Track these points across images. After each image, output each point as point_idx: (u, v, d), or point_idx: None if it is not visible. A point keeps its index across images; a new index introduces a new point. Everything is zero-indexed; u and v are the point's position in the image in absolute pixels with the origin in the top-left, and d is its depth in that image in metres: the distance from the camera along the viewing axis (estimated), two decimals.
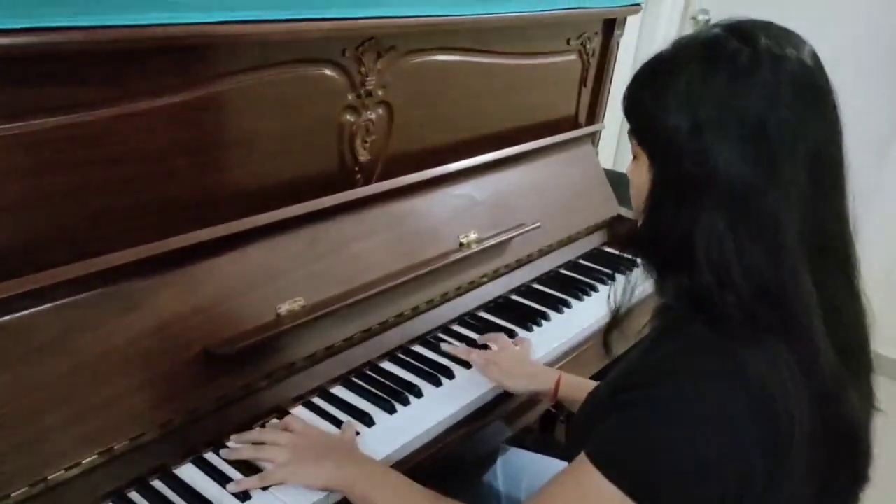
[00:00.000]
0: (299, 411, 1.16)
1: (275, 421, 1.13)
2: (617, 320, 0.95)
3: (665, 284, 0.82)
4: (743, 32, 0.77)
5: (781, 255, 0.75)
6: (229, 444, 1.06)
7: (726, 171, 0.74)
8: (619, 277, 0.94)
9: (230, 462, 1.03)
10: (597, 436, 0.80)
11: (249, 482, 0.99)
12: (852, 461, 0.83)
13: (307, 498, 0.98)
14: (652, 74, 0.81)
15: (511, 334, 1.43)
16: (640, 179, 0.84)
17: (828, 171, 0.77)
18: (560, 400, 1.26)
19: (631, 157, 0.88)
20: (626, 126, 0.88)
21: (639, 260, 0.91)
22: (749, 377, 0.73)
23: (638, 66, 0.84)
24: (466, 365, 1.31)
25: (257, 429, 1.09)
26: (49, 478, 0.90)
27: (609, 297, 0.96)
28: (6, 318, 0.90)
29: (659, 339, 0.84)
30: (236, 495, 0.98)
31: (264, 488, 0.99)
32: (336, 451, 1.03)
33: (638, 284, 0.90)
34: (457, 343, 1.38)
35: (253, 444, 1.05)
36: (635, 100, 0.83)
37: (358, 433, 1.12)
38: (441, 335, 1.42)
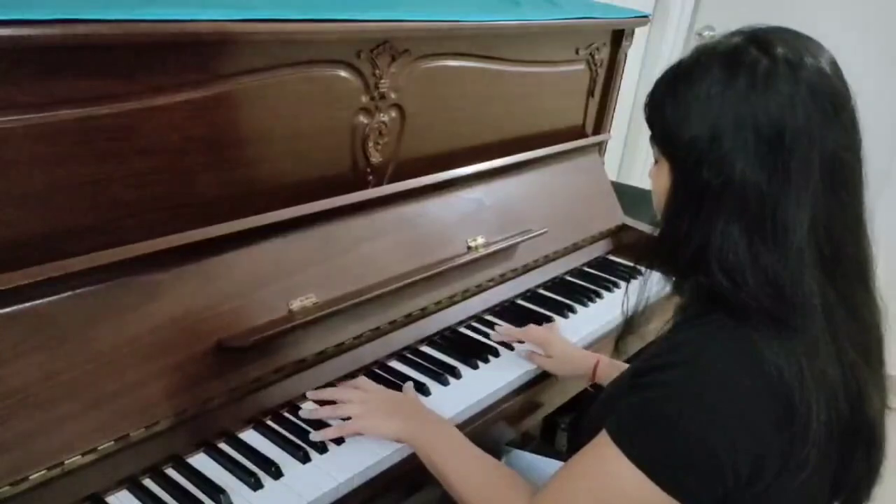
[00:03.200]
0: (309, 407, 1.18)
1: (287, 416, 1.14)
2: (631, 326, 0.98)
3: (683, 286, 0.85)
4: (762, 41, 0.79)
5: (796, 262, 0.77)
6: (306, 404, 1.15)
7: (742, 179, 0.77)
8: (633, 282, 0.95)
9: (239, 451, 1.05)
10: (618, 414, 0.82)
11: (329, 432, 1.08)
12: (868, 457, 0.85)
13: (318, 487, 1.00)
14: (673, 82, 0.83)
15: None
16: (662, 183, 0.86)
17: (843, 178, 0.79)
18: (597, 383, 1.32)
19: (652, 162, 0.91)
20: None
21: (645, 270, 0.94)
22: (766, 363, 0.75)
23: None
24: (472, 365, 1.33)
25: (330, 388, 1.18)
26: (66, 462, 0.92)
27: (623, 303, 0.98)
28: (27, 305, 0.92)
29: (681, 325, 0.86)
30: (248, 483, 0.99)
31: (276, 476, 1.01)
32: (404, 407, 1.12)
33: (652, 290, 0.92)
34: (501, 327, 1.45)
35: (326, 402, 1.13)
36: (656, 107, 0.85)
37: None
38: (493, 318, 1.50)
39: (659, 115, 0.85)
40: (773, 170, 0.76)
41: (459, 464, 1.00)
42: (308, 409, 1.14)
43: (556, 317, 1.54)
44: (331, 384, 1.22)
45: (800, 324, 0.77)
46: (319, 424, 1.10)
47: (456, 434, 1.07)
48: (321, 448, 1.07)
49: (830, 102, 0.77)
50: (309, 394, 1.17)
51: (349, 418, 1.09)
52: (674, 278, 0.88)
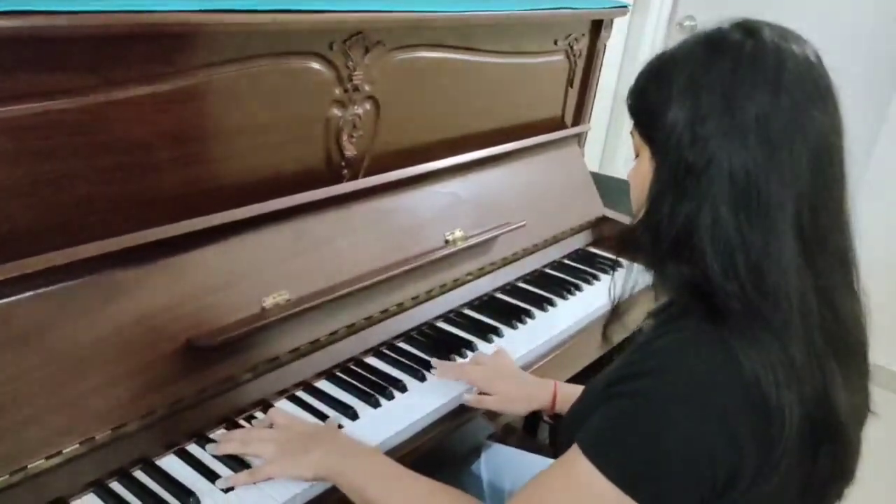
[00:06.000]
0: (283, 405, 1.16)
1: (260, 416, 1.12)
2: (618, 313, 0.95)
3: (666, 277, 0.82)
4: (747, 27, 0.78)
5: (781, 244, 0.75)
6: (215, 438, 1.06)
7: (728, 158, 0.75)
8: (619, 270, 0.93)
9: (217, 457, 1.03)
10: (588, 426, 0.80)
11: (239, 478, 0.98)
12: (837, 457, 0.83)
13: (290, 489, 0.98)
14: (656, 68, 0.82)
15: (496, 331, 1.43)
16: (643, 174, 0.84)
17: (828, 162, 0.78)
18: (558, 413, 1.25)
19: (632, 159, 0.89)
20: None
21: (625, 262, 0.92)
22: (743, 370, 0.73)
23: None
24: (450, 361, 1.31)
25: (243, 427, 1.09)
26: (29, 466, 0.90)
27: (610, 290, 0.95)
28: None
29: (654, 332, 0.84)
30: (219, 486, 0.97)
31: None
32: (323, 441, 1.02)
33: (638, 277, 0.90)
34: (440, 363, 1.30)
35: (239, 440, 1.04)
36: (639, 93, 0.84)
37: (341, 426, 1.11)
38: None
39: (641, 100, 0.83)
40: (757, 149, 0.74)
41: (400, 492, 0.94)
42: (218, 441, 1.05)
43: (538, 310, 1.52)
44: (304, 383, 1.21)
45: (776, 317, 0.75)
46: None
47: (389, 461, 1.00)
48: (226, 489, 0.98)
49: (815, 87, 0.76)
50: (218, 433, 1.07)
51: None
52: (654, 272, 0.85)
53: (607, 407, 0.79)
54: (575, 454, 0.78)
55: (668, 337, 0.79)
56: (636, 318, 0.94)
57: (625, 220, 1.88)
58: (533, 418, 2.11)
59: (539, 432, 2.14)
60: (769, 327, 0.75)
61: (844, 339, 0.82)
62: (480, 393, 1.23)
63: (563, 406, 1.24)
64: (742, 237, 0.75)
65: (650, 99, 0.81)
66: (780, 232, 0.75)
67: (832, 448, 0.81)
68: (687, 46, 0.80)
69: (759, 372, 0.73)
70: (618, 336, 0.99)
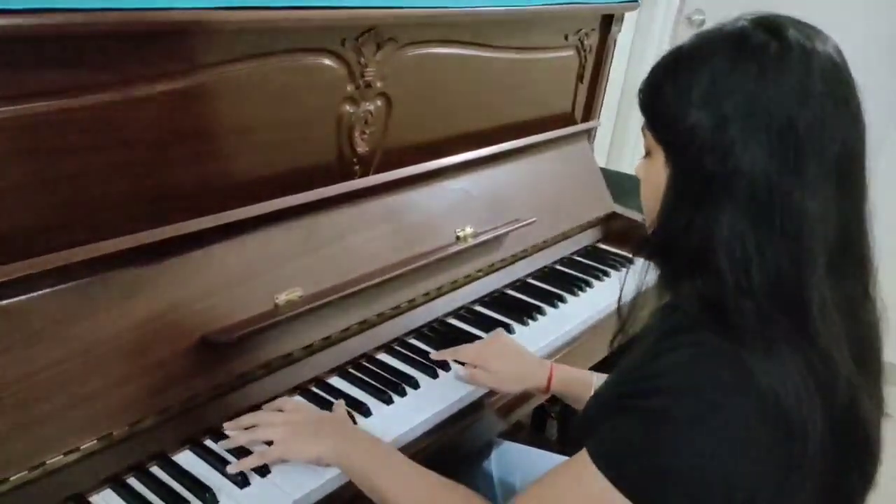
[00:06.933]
0: (297, 401, 1.16)
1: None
2: (625, 324, 0.92)
3: (680, 288, 0.79)
4: (770, 25, 0.75)
5: (803, 257, 0.73)
6: (226, 432, 1.06)
7: (751, 167, 0.72)
8: (629, 271, 0.91)
9: (229, 449, 1.03)
10: (600, 435, 0.78)
11: (248, 461, 0.99)
12: (862, 465, 0.81)
13: (305, 484, 0.99)
14: (673, 67, 0.78)
15: (507, 328, 1.43)
16: (655, 177, 0.81)
17: (852, 170, 0.75)
18: (554, 394, 1.25)
19: (642, 154, 0.86)
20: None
21: (643, 261, 0.90)
22: (761, 387, 0.70)
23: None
24: None
25: (250, 413, 1.09)
26: (47, 462, 0.90)
27: (619, 308, 0.93)
28: (4, 302, 0.90)
29: (665, 340, 0.79)
30: (235, 480, 0.98)
31: (262, 473, 0.99)
32: (331, 426, 1.03)
33: (648, 283, 0.87)
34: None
35: (247, 427, 1.04)
36: (654, 93, 0.80)
37: (351, 415, 1.12)
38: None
39: (658, 100, 0.79)
40: (783, 159, 0.72)
41: (404, 483, 0.93)
42: (228, 434, 1.05)
43: (548, 306, 1.52)
44: (317, 379, 1.21)
45: (798, 333, 0.73)
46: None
47: (395, 452, 1.00)
48: (241, 483, 0.99)
49: (841, 91, 0.74)
50: (227, 424, 1.06)
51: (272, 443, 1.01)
52: (666, 282, 0.82)
53: (620, 420, 0.77)
54: (585, 461, 0.77)
55: (681, 352, 0.75)
56: (642, 316, 0.91)
57: (634, 216, 1.88)
58: (541, 414, 2.11)
59: (547, 429, 2.14)
60: (788, 341, 0.73)
61: (864, 346, 0.80)
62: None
63: (559, 389, 1.23)
64: (760, 251, 0.73)
65: (668, 101, 0.77)
66: (803, 242, 0.72)
67: (859, 458, 0.80)
68: (707, 45, 0.76)
69: (776, 387, 0.70)
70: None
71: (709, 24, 0.81)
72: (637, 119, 0.85)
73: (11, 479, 0.87)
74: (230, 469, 0.99)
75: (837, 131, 0.73)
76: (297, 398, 1.16)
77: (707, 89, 0.74)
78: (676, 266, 0.80)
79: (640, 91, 0.83)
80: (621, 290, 0.92)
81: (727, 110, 0.73)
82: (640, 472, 0.74)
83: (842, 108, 0.74)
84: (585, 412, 0.96)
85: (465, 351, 1.26)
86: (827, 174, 0.73)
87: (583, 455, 0.78)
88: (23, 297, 0.91)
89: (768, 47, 0.73)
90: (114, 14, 0.90)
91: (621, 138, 3.10)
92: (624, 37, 2.21)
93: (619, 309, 0.94)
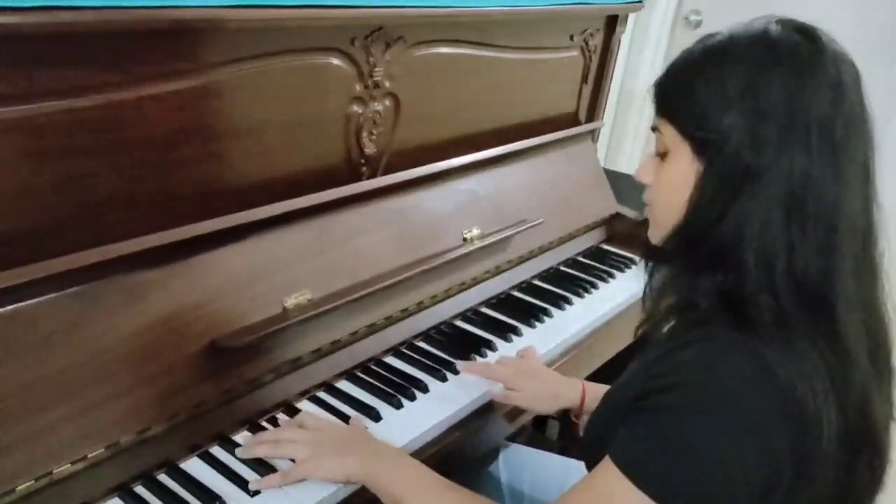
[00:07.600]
0: (305, 406, 1.15)
1: (283, 417, 1.11)
2: (651, 315, 0.90)
3: (698, 283, 0.79)
4: (799, 26, 0.77)
5: (835, 252, 0.74)
6: (239, 441, 1.04)
7: (789, 163, 0.73)
8: (654, 276, 0.91)
9: (234, 456, 1.01)
10: (621, 440, 0.77)
11: (272, 480, 0.96)
12: (872, 465, 0.82)
13: (317, 492, 0.97)
14: (703, 64, 0.78)
15: (515, 331, 1.42)
16: (677, 176, 0.80)
17: (873, 168, 0.77)
18: (586, 412, 1.23)
19: (648, 156, 0.86)
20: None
21: (649, 263, 0.90)
22: (779, 380, 0.71)
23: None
24: (473, 360, 1.29)
25: (271, 428, 1.07)
26: (54, 471, 0.88)
27: (643, 300, 0.92)
28: (10, 307, 0.87)
29: (678, 338, 0.80)
30: (244, 489, 0.96)
31: None
32: (355, 443, 1.01)
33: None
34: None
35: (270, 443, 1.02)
36: (683, 90, 0.79)
37: (366, 428, 1.10)
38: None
39: (687, 98, 0.79)
40: (820, 155, 0.73)
41: (434, 499, 0.93)
42: (246, 446, 1.03)
43: (555, 308, 1.51)
44: (326, 383, 1.19)
45: (817, 329, 0.74)
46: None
47: (422, 467, 0.98)
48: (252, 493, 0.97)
49: (862, 94, 0.76)
50: (246, 436, 1.06)
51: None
52: (682, 278, 0.82)
53: (637, 421, 0.77)
54: (608, 471, 0.76)
55: (695, 347, 0.76)
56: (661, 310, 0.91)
57: (637, 216, 1.87)
58: (541, 416, 2.11)
59: (548, 430, 2.13)
60: (804, 336, 0.73)
61: (878, 346, 0.81)
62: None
63: (593, 406, 1.21)
64: (792, 243, 0.74)
65: (700, 98, 0.77)
66: (836, 237, 0.74)
67: (869, 458, 0.80)
68: (739, 43, 0.77)
69: (794, 381, 0.71)
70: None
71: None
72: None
73: (18, 489, 0.85)
74: (252, 486, 0.96)
75: (865, 130, 0.76)
76: (317, 412, 1.13)
77: (745, 86, 0.75)
78: (698, 261, 0.80)
79: (660, 89, 0.83)
80: (646, 281, 0.91)
81: (765, 107, 0.74)
82: (664, 471, 0.73)
83: (866, 111, 0.77)
84: (599, 418, 0.95)
85: (495, 371, 1.24)
86: (857, 173, 0.75)
87: (606, 465, 0.77)
88: (30, 302, 0.89)
89: (801, 48, 0.75)
90: (123, 12, 0.88)
91: (619, 139, 3.09)
92: (623, 37, 2.20)
93: (643, 298, 0.92)
